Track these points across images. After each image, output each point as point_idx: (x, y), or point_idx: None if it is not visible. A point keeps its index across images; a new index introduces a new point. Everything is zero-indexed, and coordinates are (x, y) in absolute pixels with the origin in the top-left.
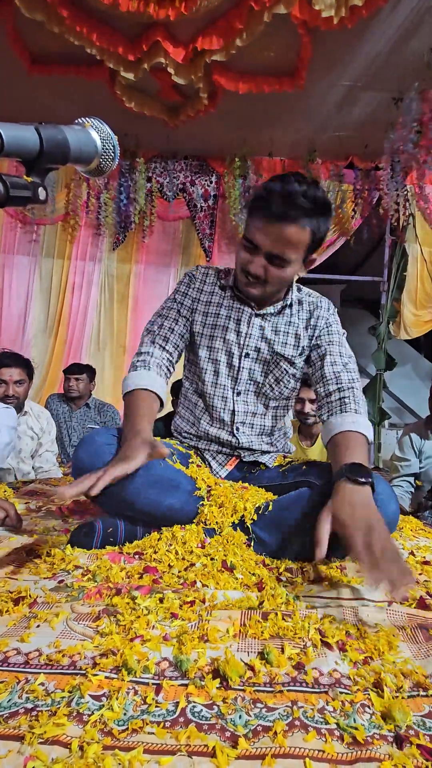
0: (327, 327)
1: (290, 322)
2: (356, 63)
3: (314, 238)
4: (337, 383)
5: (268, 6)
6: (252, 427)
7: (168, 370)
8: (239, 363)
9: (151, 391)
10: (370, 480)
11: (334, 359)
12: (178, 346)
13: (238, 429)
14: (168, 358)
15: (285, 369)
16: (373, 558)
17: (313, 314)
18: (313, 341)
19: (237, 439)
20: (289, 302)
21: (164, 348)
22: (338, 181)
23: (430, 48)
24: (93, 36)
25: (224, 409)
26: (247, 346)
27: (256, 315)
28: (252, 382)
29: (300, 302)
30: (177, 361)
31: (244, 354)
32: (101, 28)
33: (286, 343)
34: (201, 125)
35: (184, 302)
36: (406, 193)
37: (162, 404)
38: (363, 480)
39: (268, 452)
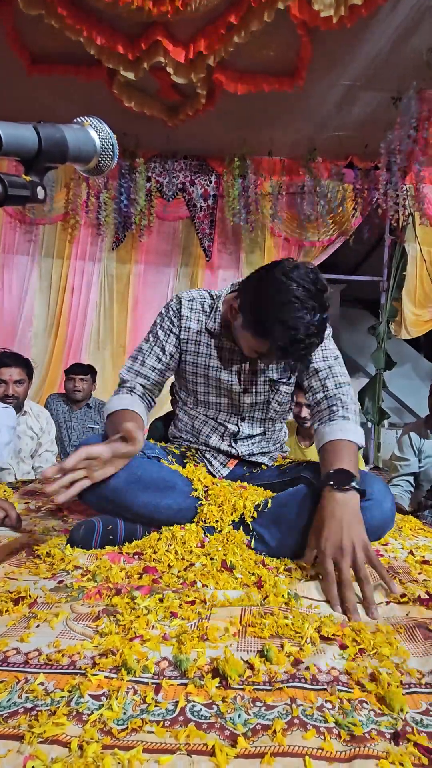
0: None
1: None
2: (356, 63)
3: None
4: (323, 391)
5: (266, 2)
6: (252, 438)
7: (149, 403)
8: (239, 399)
9: (133, 410)
10: (352, 485)
11: (318, 366)
12: (158, 384)
13: (236, 442)
14: (149, 396)
15: (285, 391)
16: (334, 582)
17: None
18: None
19: (236, 450)
20: None
21: (144, 386)
22: (338, 180)
23: (429, 48)
24: (92, 35)
25: (225, 432)
26: (244, 382)
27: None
28: (254, 411)
29: None
30: (157, 396)
31: (242, 390)
32: (100, 28)
33: (274, 368)
34: (201, 125)
35: (168, 340)
36: (405, 192)
37: (144, 424)
38: (346, 487)
39: (268, 452)
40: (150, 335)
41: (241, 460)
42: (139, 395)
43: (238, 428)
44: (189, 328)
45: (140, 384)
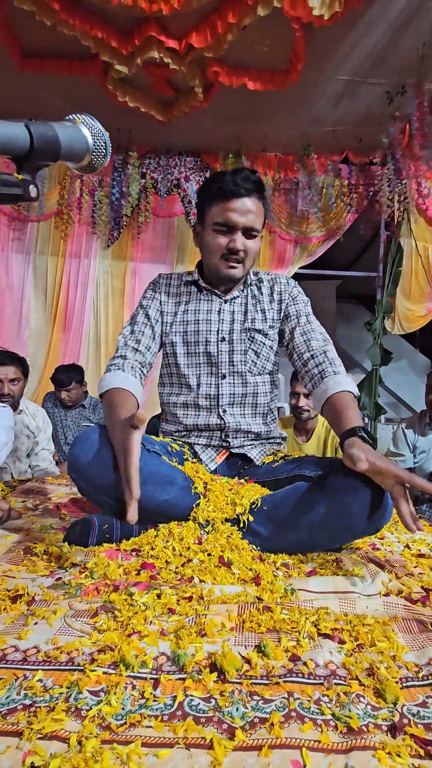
0: (292, 299)
1: (255, 299)
2: (350, 57)
3: (265, 211)
4: (309, 350)
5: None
6: (241, 406)
7: (142, 372)
8: (217, 348)
9: (126, 389)
10: (371, 443)
11: (303, 329)
12: (150, 347)
13: (225, 411)
14: (140, 360)
15: (261, 341)
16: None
17: (275, 289)
18: (282, 314)
19: (224, 420)
20: (249, 283)
21: (137, 350)
22: (333, 175)
23: (423, 42)
24: (86, 28)
25: (210, 395)
26: (222, 331)
27: (225, 302)
28: (233, 363)
29: (260, 281)
30: (152, 362)
31: (220, 339)
32: (93, 22)
33: (255, 318)
34: (195, 120)
35: (151, 305)
36: (400, 188)
37: (138, 403)
38: (370, 443)
39: (258, 437)
40: (136, 308)
41: (231, 454)
42: (129, 367)
43: (219, 390)
44: (169, 292)
45: (132, 348)
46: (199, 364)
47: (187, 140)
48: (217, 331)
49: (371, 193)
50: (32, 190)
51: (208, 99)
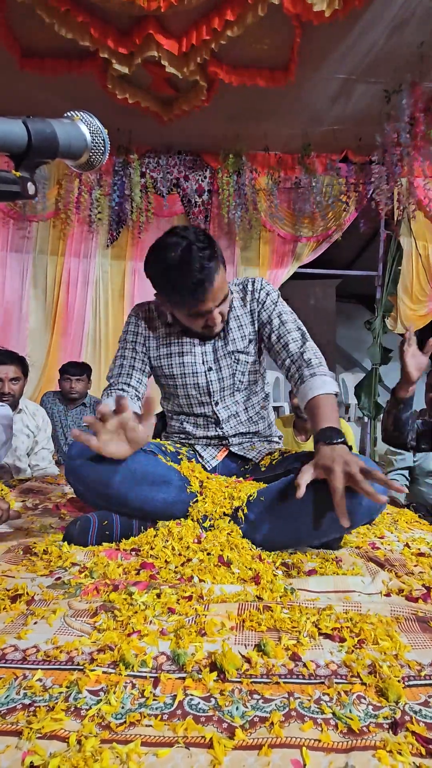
0: (261, 304)
1: (230, 319)
2: (350, 56)
3: (223, 264)
4: (288, 355)
5: None
6: (237, 416)
7: (138, 404)
8: (206, 378)
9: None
10: (342, 440)
11: (278, 333)
12: (141, 380)
13: (223, 427)
14: (135, 393)
15: (245, 361)
16: (357, 481)
17: (246, 299)
18: (257, 323)
19: (224, 431)
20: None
21: (129, 384)
22: (333, 174)
23: (422, 41)
24: (86, 26)
25: (208, 419)
26: (207, 362)
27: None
28: (225, 388)
29: (232, 301)
30: (144, 394)
31: (207, 369)
32: (93, 21)
33: (234, 339)
34: (195, 119)
35: (137, 340)
36: (400, 186)
37: None
38: (335, 441)
39: (256, 433)
40: (121, 342)
41: (230, 453)
42: (130, 396)
43: (217, 415)
44: (150, 326)
45: (124, 383)
46: (190, 395)
47: (186, 140)
48: (203, 362)
49: (371, 192)
50: (30, 188)
51: (209, 98)
